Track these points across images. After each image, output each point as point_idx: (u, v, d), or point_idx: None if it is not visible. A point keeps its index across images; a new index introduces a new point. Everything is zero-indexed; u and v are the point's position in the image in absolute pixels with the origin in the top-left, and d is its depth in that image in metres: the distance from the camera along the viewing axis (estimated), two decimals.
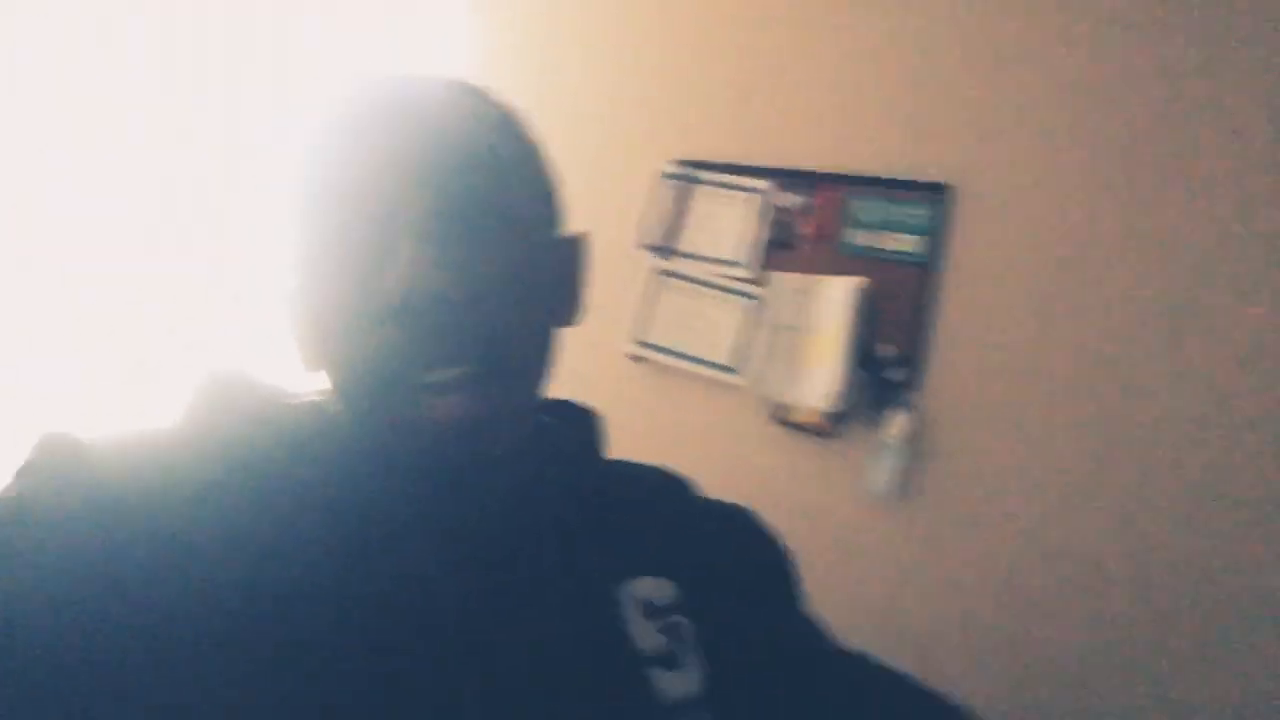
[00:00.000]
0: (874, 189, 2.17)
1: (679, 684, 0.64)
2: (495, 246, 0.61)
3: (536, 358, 0.65)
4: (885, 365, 2.14)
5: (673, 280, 2.36)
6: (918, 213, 2.12)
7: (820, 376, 2.14)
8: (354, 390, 0.61)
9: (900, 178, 2.14)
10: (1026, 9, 2.06)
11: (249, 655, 0.53)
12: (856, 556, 2.15)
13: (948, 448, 2.09)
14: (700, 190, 2.34)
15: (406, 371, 0.58)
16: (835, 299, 2.15)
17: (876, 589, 2.14)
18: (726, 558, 0.74)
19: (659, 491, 0.78)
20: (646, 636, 0.65)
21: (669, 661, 0.65)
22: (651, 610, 0.66)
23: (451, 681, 0.57)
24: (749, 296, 2.27)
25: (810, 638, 0.77)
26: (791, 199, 2.25)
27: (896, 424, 2.09)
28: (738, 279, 2.29)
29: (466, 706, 0.57)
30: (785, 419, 2.21)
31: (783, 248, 2.25)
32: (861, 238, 2.18)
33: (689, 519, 0.76)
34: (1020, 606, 2.02)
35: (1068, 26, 2.02)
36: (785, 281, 2.23)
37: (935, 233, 2.11)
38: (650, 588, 0.67)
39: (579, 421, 0.77)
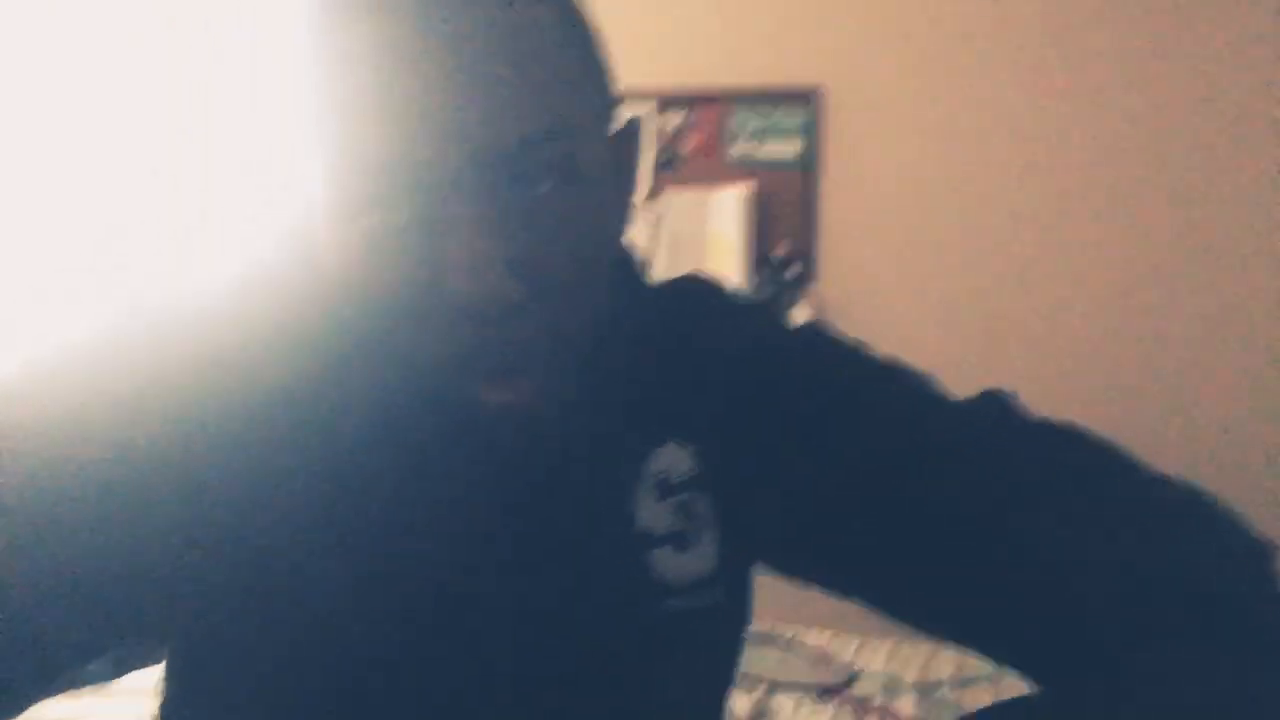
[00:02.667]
0: (750, 101, 2.30)
1: (688, 565, 0.63)
2: (562, 211, 0.53)
3: (598, 309, 0.58)
4: (780, 265, 2.30)
5: None
6: (793, 119, 2.27)
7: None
8: (394, 366, 0.55)
9: (773, 88, 2.28)
10: None
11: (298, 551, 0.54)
12: None
13: (848, 332, 2.26)
14: None
15: (465, 372, 0.53)
16: (726, 208, 2.30)
17: None
18: (754, 393, 0.66)
19: (689, 328, 0.68)
20: (657, 517, 0.63)
21: (679, 541, 0.63)
22: (666, 488, 0.63)
23: (455, 579, 0.58)
24: (646, 215, 2.40)
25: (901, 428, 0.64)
26: (673, 119, 2.37)
27: (798, 317, 2.26)
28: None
29: (467, 602, 0.58)
30: None
31: (670, 166, 2.38)
32: (743, 148, 2.32)
33: (713, 356, 0.67)
34: None
35: None
36: (677, 197, 2.37)
37: (811, 136, 2.26)
38: (669, 459, 0.64)
39: (620, 263, 0.67)
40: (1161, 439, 2.08)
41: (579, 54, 0.55)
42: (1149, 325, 2.10)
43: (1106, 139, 2.09)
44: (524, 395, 0.53)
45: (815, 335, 0.70)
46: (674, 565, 0.62)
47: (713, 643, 0.67)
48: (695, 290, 0.71)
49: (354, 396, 0.58)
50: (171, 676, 0.64)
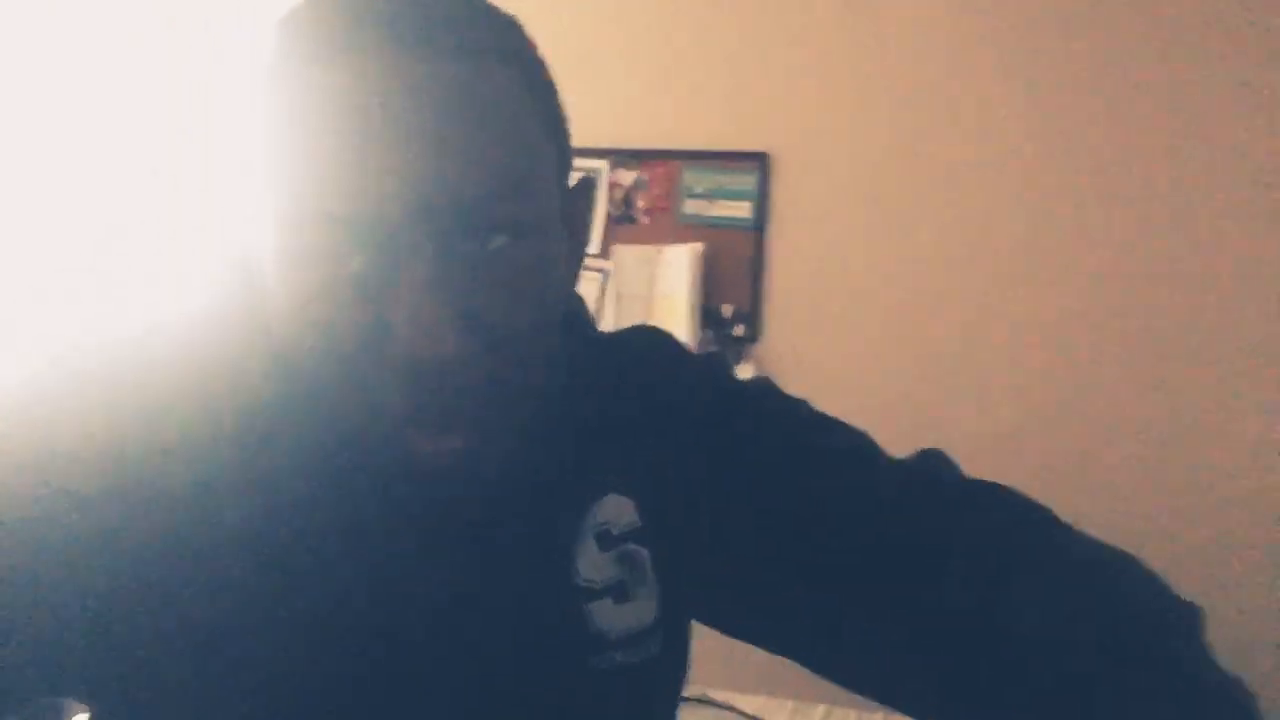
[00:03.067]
0: (703, 161, 2.34)
1: (627, 617, 0.62)
2: (513, 266, 0.52)
3: (548, 361, 0.57)
4: (727, 322, 2.33)
5: None
6: (744, 180, 2.31)
7: None
8: (337, 417, 0.54)
9: (726, 149, 2.33)
10: None
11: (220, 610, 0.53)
12: None
13: (790, 390, 2.29)
14: None
15: (399, 422, 0.52)
16: (677, 265, 2.32)
17: None
18: (698, 447, 0.66)
19: (637, 379, 0.68)
20: (598, 568, 0.62)
21: (619, 593, 0.62)
22: (607, 539, 0.62)
23: (399, 635, 0.57)
24: (597, 270, 2.41)
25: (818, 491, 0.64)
26: (628, 176, 2.40)
27: (743, 375, 2.28)
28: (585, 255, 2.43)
29: (402, 655, 0.57)
30: None
31: (624, 222, 2.40)
32: (695, 207, 2.35)
33: (660, 412, 0.67)
34: None
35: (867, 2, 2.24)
36: (629, 253, 2.39)
37: (761, 198, 2.30)
38: (611, 511, 0.63)
39: (568, 317, 0.67)
40: (1105, 488, 2.13)
41: (537, 111, 0.55)
42: (1092, 380, 2.15)
43: (1050, 202, 2.16)
44: (457, 446, 0.52)
45: (761, 392, 0.71)
46: (613, 617, 0.62)
47: (649, 696, 0.66)
48: (646, 342, 0.71)
49: (291, 445, 0.56)
50: None
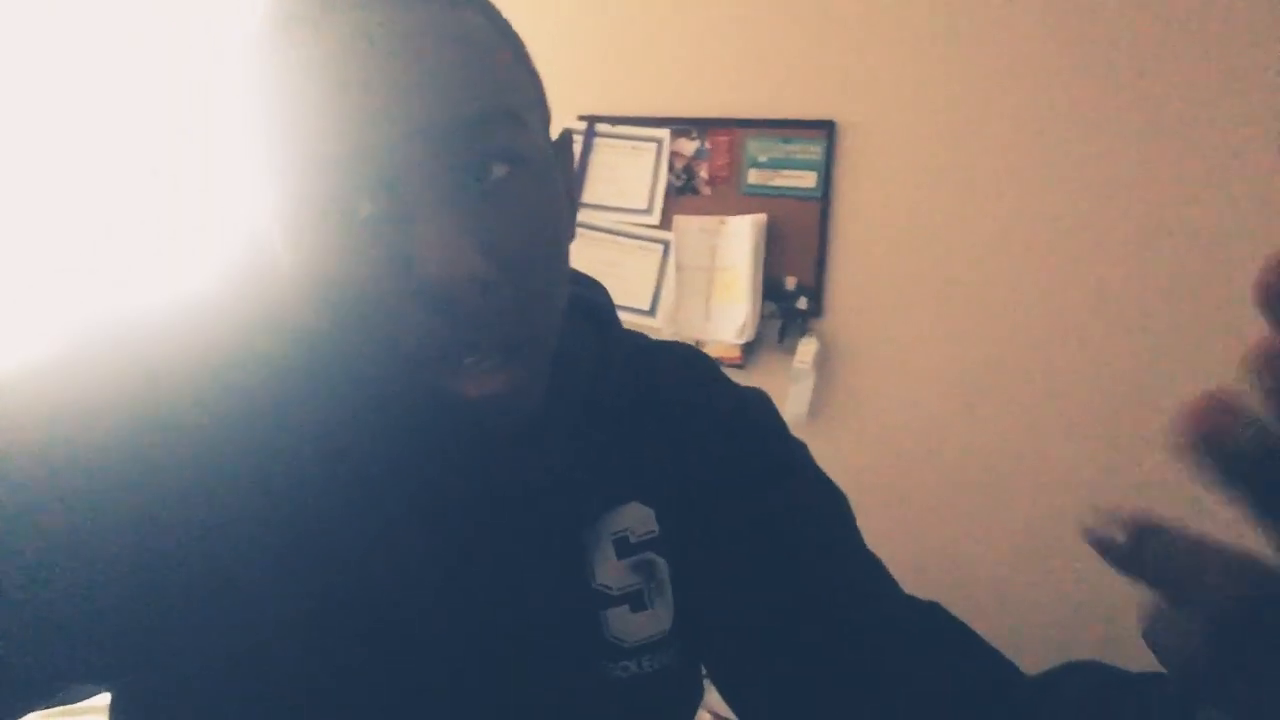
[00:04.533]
0: (767, 130, 2.29)
1: (643, 626, 0.62)
2: (518, 196, 0.53)
3: (562, 296, 0.58)
4: (790, 295, 2.28)
5: (586, 232, 2.46)
6: (809, 150, 2.26)
7: (732, 311, 2.28)
8: (372, 363, 0.54)
9: (791, 118, 2.27)
10: None
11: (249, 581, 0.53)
12: None
13: (852, 367, 2.25)
14: (602, 144, 2.44)
15: (442, 357, 0.52)
16: (739, 237, 2.28)
17: None
18: (724, 468, 0.67)
19: (673, 389, 0.69)
20: (615, 575, 0.62)
21: (636, 601, 0.62)
22: (624, 547, 0.62)
23: (415, 634, 0.56)
24: (658, 242, 2.38)
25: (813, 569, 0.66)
26: (690, 145, 2.36)
27: (806, 350, 2.24)
28: (646, 226, 2.40)
29: (426, 658, 0.57)
30: None
31: (686, 192, 2.37)
32: (759, 177, 2.31)
33: (691, 425, 0.68)
34: (914, 512, 2.21)
35: None
36: (690, 224, 2.35)
37: (827, 168, 2.25)
38: (630, 518, 0.63)
39: (593, 307, 0.69)
40: (1156, 470, 2.05)
41: (510, 53, 0.56)
42: (1156, 356, 2.08)
43: (1120, 174, 2.07)
44: (500, 385, 0.53)
45: (800, 447, 0.73)
46: (629, 625, 0.62)
47: (662, 708, 0.66)
48: (686, 356, 0.73)
49: (319, 410, 0.57)
50: (118, 715, 0.60)
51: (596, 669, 0.61)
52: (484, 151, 0.52)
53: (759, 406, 0.73)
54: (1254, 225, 2.02)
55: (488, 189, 0.52)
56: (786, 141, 2.28)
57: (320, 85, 0.50)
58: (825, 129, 2.25)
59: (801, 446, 0.73)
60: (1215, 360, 2.04)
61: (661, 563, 0.63)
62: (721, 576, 0.64)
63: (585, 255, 2.45)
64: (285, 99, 0.51)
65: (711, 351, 2.31)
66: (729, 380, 0.74)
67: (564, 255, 0.59)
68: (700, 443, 0.67)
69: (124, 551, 0.49)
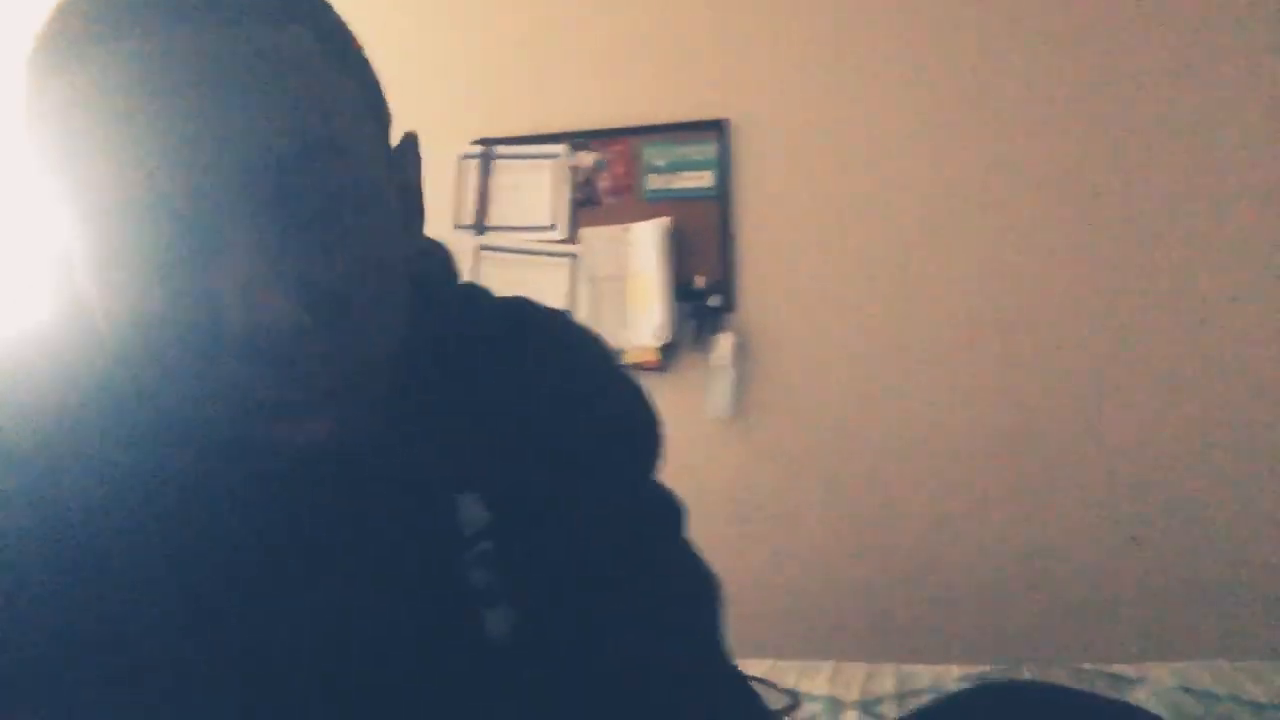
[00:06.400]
0: (660, 135, 2.34)
1: (501, 620, 0.59)
2: (336, 228, 0.50)
3: (397, 318, 0.54)
4: (702, 294, 2.33)
5: (492, 254, 2.47)
6: (704, 150, 2.31)
7: (646, 316, 2.31)
8: (190, 409, 0.50)
9: (682, 121, 2.32)
10: None
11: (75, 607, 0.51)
12: (704, 476, 2.31)
13: (772, 358, 2.30)
14: (501, 165, 2.45)
15: (254, 407, 0.49)
16: (645, 242, 2.32)
17: (724, 503, 2.32)
18: (547, 449, 0.63)
19: (501, 357, 0.65)
20: (474, 569, 0.59)
21: (489, 596, 0.59)
22: (461, 540, 0.59)
23: (284, 644, 0.55)
24: (567, 256, 2.40)
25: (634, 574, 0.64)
26: (589, 158, 2.39)
27: (723, 346, 2.29)
28: (554, 242, 2.42)
29: (299, 666, 0.55)
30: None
31: (589, 205, 2.40)
32: (659, 181, 2.35)
33: (530, 396, 0.64)
34: (849, 488, 2.27)
35: None
36: (596, 235, 2.38)
37: (723, 166, 2.30)
38: (466, 508, 0.60)
39: (422, 279, 0.63)
40: (1059, 434, 2.15)
41: (338, 72, 0.52)
42: (1057, 349, 2.17)
43: (1010, 161, 2.17)
44: (320, 432, 0.49)
45: (628, 398, 0.70)
46: (492, 620, 0.59)
47: (536, 694, 0.61)
48: (517, 316, 0.69)
49: (139, 458, 0.53)
50: None
51: (472, 665, 0.59)
52: (294, 187, 0.48)
53: (614, 396, 0.70)
54: (1155, 218, 2.13)
55: (300, 225, 0.48)
56: (681, 144, 2.32)
57: (119, 121, 0.45)
58: (717, 128, 2.30)
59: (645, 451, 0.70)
60: (1114, 343, 2.14)
61: (492, 550, 0.60)
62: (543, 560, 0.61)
63: (495, 277, 2.46)
64: (70, 137, 0.47)
65: (630, 357, 2.34)
66: (560, 342, 0.70)
67: (396, 277, 0.54)
68: (523, 421, 0.63)
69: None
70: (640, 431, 0.69)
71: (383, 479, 0.57)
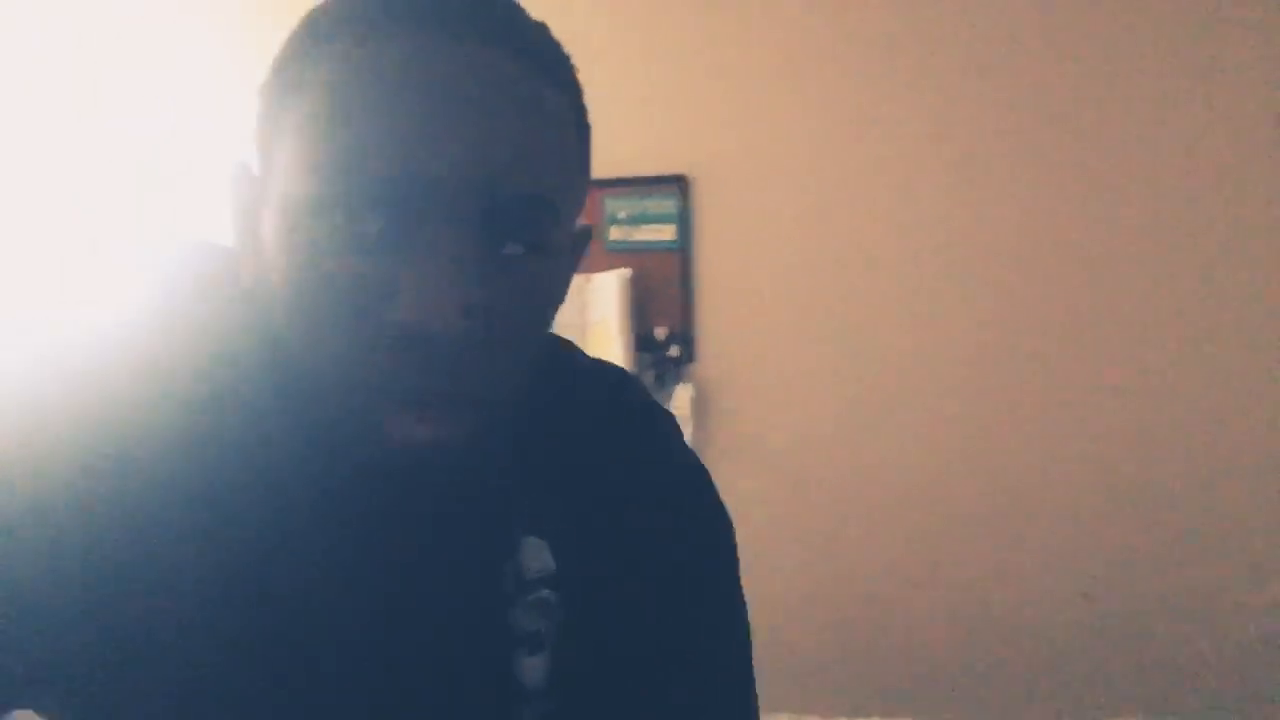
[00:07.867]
0: (624, 188, 2.37)
1: (538, 670, 0.60)
2: (524, 276, 0.52)
3: (529, 367, 0.56)
4: (662, 345, 2.35)
5: None
6: (665, 204, 2.35)
7: None
8: (319, 381, 0.52)
9: (645, 175, 2.36)
10: (738, 11, 2.32)
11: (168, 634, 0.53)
12: None
13: (727, 411, 2.32)
14: None
15: (394, 396, 0.50)
16: (606, 291, 2.34)
17: None
18: (620, 512, 0.65)
19: (590, 419, 0.67)
20: (523, 615, 0.60)
21: (534, 643, 0.60)
22: (525, 584, 0.60)
23: (335, 678, 0.56)
24: None
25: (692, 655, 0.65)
26: None
27: (682, 397, 2.30)
28: None
29: (348, 699, 0.56)
30: None
31: None
32: (620, 233, 2.38)
33: (613, 466, 0.65)
34: (807, 538, 2.28)
35: (776, 21, 2.30)
36: None
37: (683, 219, 2.34)
38: (532, 553, 0.61)
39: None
40: (1024, 471, 2.19)
41: (576, 144, 0.56)
42: (1016, 399, 2.22)
43: (966, 210, 2.23)
44: (446, 434, 0.50)
45: (695, 479, 0.70)
46: (528, 669, 0.60)
47: None
48: (617, 385, 0.70)
49: (267, 435, 0.55)
50: None
51: (505, 713, 0.60)
52: (507, 228, 0.50)
53: (693, 477, 0.71)
54: (1115, 272, 2.19)
55: (498, 262, 0.50)
56: (643, 198, 2.36)
57: (383, 95, 0.48)
58: (678, 183, 2.34)
59: (723, 531, 0.71)
60: (1072, 391, 2.19)
61: (554, 600, 0.61)
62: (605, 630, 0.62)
63: None
64: (332, 114, 0.49)
65: None
66: (648, 409, 0.71)
67: (546, 325, 0.57)
68: (599, 480, 0.65)
69: (70, 598, 0.50)
70: (723, 534, 0.71)
71: (465, 499, 0.59)
